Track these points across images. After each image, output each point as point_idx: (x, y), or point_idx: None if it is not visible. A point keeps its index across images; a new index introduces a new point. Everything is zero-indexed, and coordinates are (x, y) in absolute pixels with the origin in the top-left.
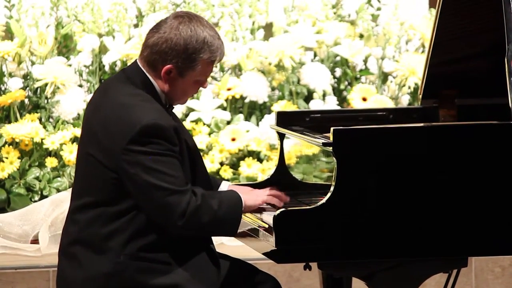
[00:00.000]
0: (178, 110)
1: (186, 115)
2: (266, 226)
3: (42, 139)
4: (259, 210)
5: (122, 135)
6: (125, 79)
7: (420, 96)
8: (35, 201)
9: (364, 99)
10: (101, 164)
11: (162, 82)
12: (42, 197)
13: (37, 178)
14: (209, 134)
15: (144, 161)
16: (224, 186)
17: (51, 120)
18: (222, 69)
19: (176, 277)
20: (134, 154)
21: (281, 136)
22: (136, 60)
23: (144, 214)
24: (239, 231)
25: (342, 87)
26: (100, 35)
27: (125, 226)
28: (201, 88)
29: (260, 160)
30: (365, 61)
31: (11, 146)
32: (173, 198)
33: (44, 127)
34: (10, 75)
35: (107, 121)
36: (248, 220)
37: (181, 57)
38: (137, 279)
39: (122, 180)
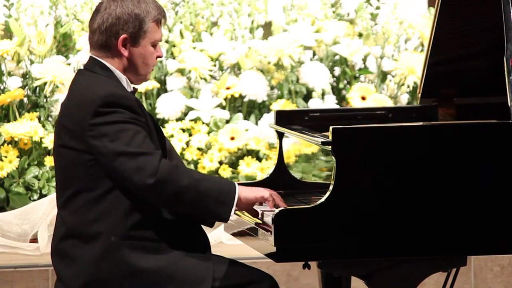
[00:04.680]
0: (177, 109)
1: (185, 114)
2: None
3: (41, 138)
4: (255, 212)
5: (85, 113)
6: (84, 72)
7: (419, 95)
8: (34, 200)
9: (363, 98)
10: (74, 150)
11: (119, 62)
12: (41, 196)
13: (36, 177)
14: (208, 133)
15: (108, 131)
16: None
17: (50, 119)
18: (221, 68)
19: (166, 259)
20: (98, 127)
21: (280, 135)
22: (90, 56)
23: (127, 192)
24: (238, 230)
25: (341, 86)
26: None
27: (111, 207)
28: (199, 87)
29: (259, 159)
30: (364, 60)
31: (10, 145)
32: (141, 159)
33: (43, 126)
34: (9, 74)
35: (71, 110)
36: (247, 219)
37: (130, 23)
38: (128, 260)
39: (96, 158)
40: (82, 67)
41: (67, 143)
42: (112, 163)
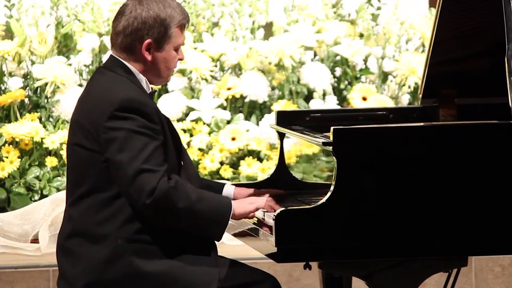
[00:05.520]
0: (178, 109)
1: (186, 115)
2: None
3: (42, 139)
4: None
5: (102, 114)
6: (104, 70)
7: (420, 95)
8: (35, 201)
9: (364, 99)
10: (89, 150)
11: (141, 64)
12: (42, 196)
13: (37, 177)
14: (209, 133)
15: (119, 138)
16: (228, 190)
17: (51, 119)
18: (222, 69)
19: (173, 262)
20: (112, 131)
21: (281, 136)
22: (111, 54)
23: None
24: (239, 230)
25: (342, 86)
26: (100, 35)
27: (120, 210)
28: (200, 88)
29: (260, 160)
30: (365, 60)
31: (11, 146)
32: (143, 176)
33: (44, 126)
34: (10, 74)
35: (89, 109)
36: (247, 220)
37: (155, 28)
38: (134, 264)
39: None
40: (100, 66)
41: (82, 142)
42: (115, 172)
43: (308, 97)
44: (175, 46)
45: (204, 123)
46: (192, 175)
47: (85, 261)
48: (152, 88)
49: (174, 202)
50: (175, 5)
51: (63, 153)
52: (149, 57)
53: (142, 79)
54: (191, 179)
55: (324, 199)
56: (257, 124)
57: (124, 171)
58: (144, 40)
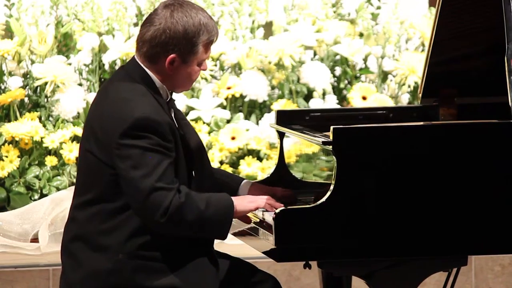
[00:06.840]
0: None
1: (186, 114)
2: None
3: (42, 138)
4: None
5: (116, 129)
6: (124, 75)
7: (420, 95)
8: (35, 200)
9: (364, 98)
10: (99, 160)
11: (162, 74)
12: (42, 195)
13: (37, 176)
14: (209, 133)
15: (133, 156)
16: (244, 187)
17: (51, 119)
18: (222, 68)
19: (174, 278)
20: (125, 148)
21: (281, 135)
22: (134, 57)
23: None
24: (238, 230)
25: (342, 86)
26: (100, 34)
27: (124, 223)
28: (200, 87)
29: (260, 159)
30: (365, 60)
31: (11, 145)
32: (157, 194)
33: (44, 125)
34: (10, 74)
35: (104, 116)
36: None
37: (182, 43)
38: (135, 279)
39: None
40: (123, 66)
41: (94, 150)
42: (129, 189)
43: (308, 96)
44: (199, 61)
45: (204, 123)
46: (207, 175)
47: (85, 269)
48: (170, 95)
49: (186, 217)
50: (205, 20)
51: (63, 152)
52: (170, 71)
53: (162, 88)
54: (204, 181)
55: (324, 199)
56: (257, 123)
57: (138, 188)
58: (169, 54)
